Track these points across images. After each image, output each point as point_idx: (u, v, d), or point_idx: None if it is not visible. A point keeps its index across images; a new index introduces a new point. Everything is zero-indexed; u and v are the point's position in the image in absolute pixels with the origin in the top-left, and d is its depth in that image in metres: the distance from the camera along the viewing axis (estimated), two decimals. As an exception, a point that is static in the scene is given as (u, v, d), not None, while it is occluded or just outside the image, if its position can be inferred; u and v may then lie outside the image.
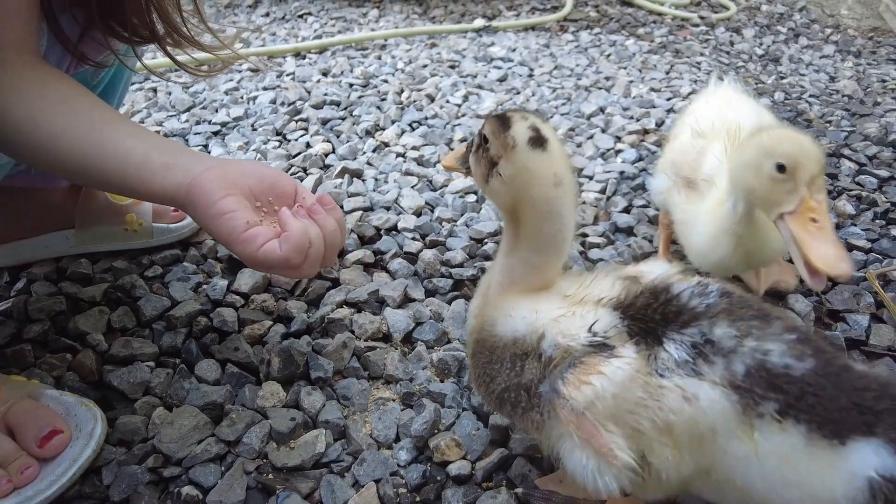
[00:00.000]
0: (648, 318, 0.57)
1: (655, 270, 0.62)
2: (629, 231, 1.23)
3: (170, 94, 1.86)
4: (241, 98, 1.84)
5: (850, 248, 1.23)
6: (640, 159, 1.50)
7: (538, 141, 0.60)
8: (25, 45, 0.74)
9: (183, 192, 0.72)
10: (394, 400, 0.86)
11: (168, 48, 0.88)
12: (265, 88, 1.90)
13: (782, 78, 2.23)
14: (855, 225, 1.31)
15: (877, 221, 1.33)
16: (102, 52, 0.85)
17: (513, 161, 0.60)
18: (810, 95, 2.04)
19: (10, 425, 0.72)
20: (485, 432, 0.80)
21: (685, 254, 1.00)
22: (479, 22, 2.64)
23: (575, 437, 0.55)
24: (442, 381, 0.88)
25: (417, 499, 0.72)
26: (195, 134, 1.62)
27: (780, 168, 0.73)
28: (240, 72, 2.05)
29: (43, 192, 1.08)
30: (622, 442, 0.53)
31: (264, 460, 0.77)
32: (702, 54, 2.41)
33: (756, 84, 2.12)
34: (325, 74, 2.06)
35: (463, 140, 1.59)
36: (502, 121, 0.62)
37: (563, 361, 0.56)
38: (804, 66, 2.37)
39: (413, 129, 1.64)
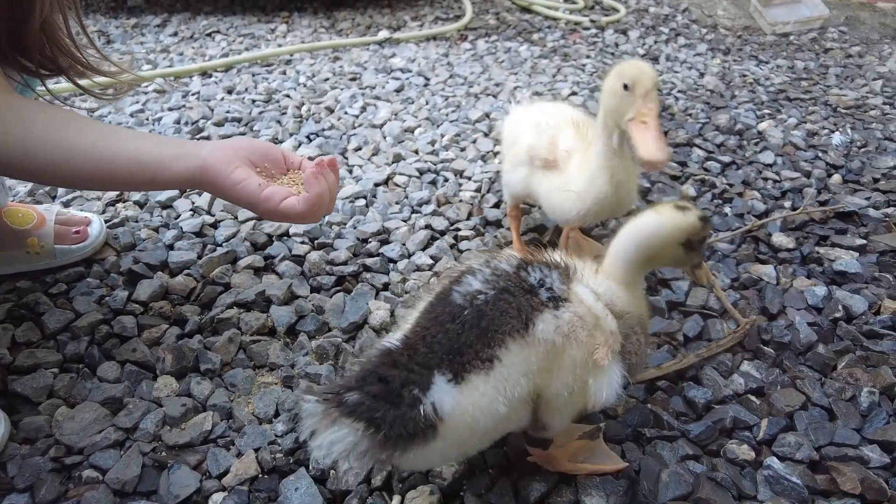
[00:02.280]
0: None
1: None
2: (497, 224, 1.39)
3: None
4: (147, 119, 1.91)
5: (687, 225, 1.43)
6: (515, 158, 1.67)
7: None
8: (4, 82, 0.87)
9: (198, 174, 0.87)
10: (276, 384, 0.98)
11: (73, 77, 0.99)
12: (170, 109, 1.98)
13: (658, 75, 2.46)
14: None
15: (714, 201, 1.54)
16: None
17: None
18: (678, 91, 2.28)
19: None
20: (353, 402, 0.93)
21: (554, 219, 1.20)
22: (383, 34, 2.77)
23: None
24: (320, 364, 1.01)
25: (291, 460, 0.85)
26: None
27: (625, 86, 0.95)
28: (146, 93, 2.11)
29: (-59, 221, 1.14)
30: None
31: (159, 442, 0.88)
32: (588, 56, 2.63)
33: (632, 83, 2.34)
34: (229, 92, 2.15)
35: (357, 149, 1.72)
36: (704, 219, 0.80)
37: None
38: (678, 64, 2.62)
39: (310, 141, 1.76)
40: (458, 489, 0.81)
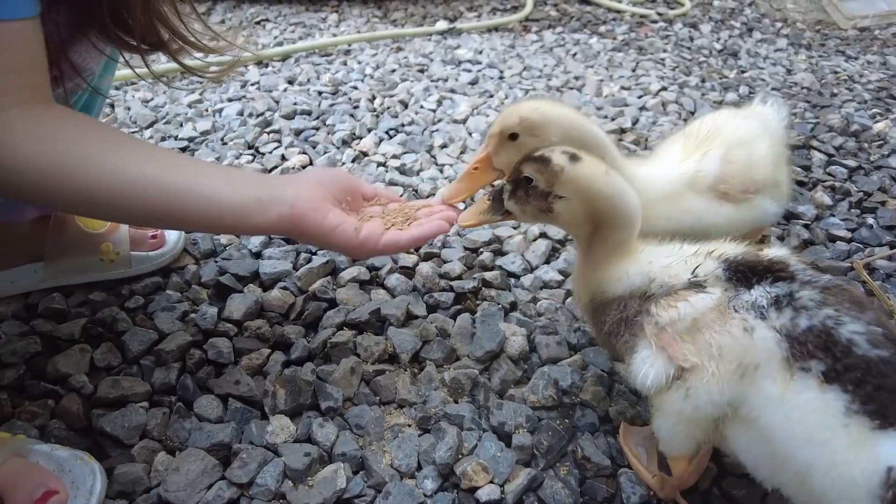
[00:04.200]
0: (749, 270, 0.63)
1: (782, 252, 0.67)
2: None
3: (129, 109, 1.77)
4: (207, 111, 1.76)
5: (833, 238, 1.26)
6: (623, 159, 1.50)
7: (575, 157, 0.69)
8: (47, 91, 0.71)
9: (285, 222, 0.76)
10: (409, 425, 0.83)
11: (175, 53, 0.85)
12: (230, 100, 1.83)
13: (743, 72, 2.28)
14: (833, 216, 1.34)
15: (853, 211, 1.37)
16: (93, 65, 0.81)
17: (569, 181, 0.69)
18: (772, 88, 2.10)
19: (0, 487, 0.65)
20: (509, 453, 0.77)
21: None
22: (442, 24, 2.61)
23: (653, 345, 0.63)
24: (457, 402, 0.85)
25: (449, 530, 0.69)
26: (161, 151, 1.54)
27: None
28: (201, 83, 1.96)
29: (5, 225, 0.99)
30: (692, 349, 0.61)
31: (282, 501, 0.72)
32: (664, 50, 2.45)
33: (720, 79, 2.17)
34: (290, 83, 1.99)
35: (443, 146, 1.56)
36: (539, 159, 0.70)
37: (662, 295, 0.65)
38: (762, 60, 2.44)
39: (391, 137, 1.61)
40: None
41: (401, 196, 1.31)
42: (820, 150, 1.62)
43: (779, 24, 2.97)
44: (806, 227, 1.29)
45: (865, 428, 0.51)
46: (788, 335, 0.57)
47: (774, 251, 0.66)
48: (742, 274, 0.62)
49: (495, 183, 0.88)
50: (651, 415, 0.67)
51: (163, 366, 0.90)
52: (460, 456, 0.77)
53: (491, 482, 0.74)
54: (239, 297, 1.01)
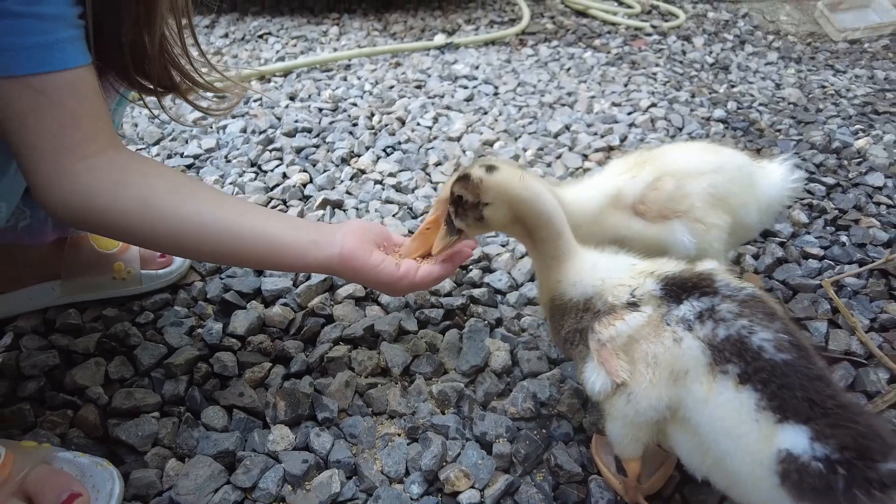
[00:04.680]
0: (680, 287, 0.71)
1: (708, 264, 0.76)
2: (605, 251, 1.29)
3: (136, 125, 1.85)
4: (211, 128, 1.83)
5: (806, 256, 1.33)
6: (609, 177, 1.57)
7: (490, 168, 0.79)
8: (116, 135, 0.81)
9: (335, 261, 0.85)
10: (399, 435, 0.90)
11: (185, 94, 0.94)
12: (234, 116, 1.90)
13: (733, 86, 2.35)
14: (809, 233, 1.41)
15: (827, 229, 1.43)
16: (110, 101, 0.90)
17: (488, 189, 0.78)
18: (760, 104, 2.16)
19: (29, 493, 0.73)
20: (490, 461, 0.84)
21: None
22: (440, 38, 2.68)
23: (595, 359, 0.71)
24: (443, 413, 0.93)
25: (433, 532, 0.76)
26: (169, 168, 1.61)
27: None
28: (206, 99, 2.04)
29: (27, 247, 1.07)
30: (626, 367, 0.69)
31: (282, 503, 0.80)
32: (657, 65, 2.52)
33: (710, 94, 2.23)
34: (292, 99, 2.07)
35: (438, 164, 1.63)
36: (463, 177, 0.80)
37: (605, 313, 0.73)
38: (752, 74, 2.50)
39: (388, 155, 1.68)
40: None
41: (395, 214, 1.39)
42: (800, 168, 1.68)
43: (771, 37, 3.03)
44: (781, 245, 1.35)
45: (771, 422, 0.60)
46: (710, 344, 0.65)
47: (704, 265, 0.74)
48: (674, 291, 0.70)
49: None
50: (604, 420, 0.75)
51: (172, 378, 0.97)
52: (444, 463, 0.84)
53: (472, 487, 0.81)
54: (242, 313, 1.09)
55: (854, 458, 0.57)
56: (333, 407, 0.91)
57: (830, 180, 1.62)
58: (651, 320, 0.69)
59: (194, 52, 0.93)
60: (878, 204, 1.52)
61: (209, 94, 1.00)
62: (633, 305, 0.71)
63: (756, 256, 1.30)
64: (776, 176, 1.08)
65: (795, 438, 0.59)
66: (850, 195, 1.55)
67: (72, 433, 0.89)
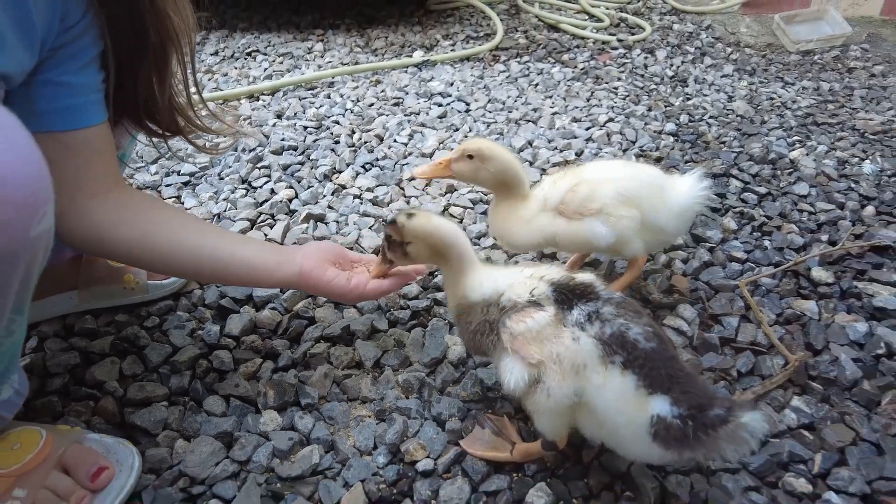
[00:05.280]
0: (570, 293, 0.88)
1: (586, 275, 0.94)
2: (553, 256, 1.48)
3: (136, 144, 2.01)
4: (204, 146, 2.00)
5: (731, 259, 1.52)
6: (563, 190, 1.75)
7: (410, 215, 0.98)
8: (121, 177, 1.01)
9: (296, 278, 1.05)
10: (370, 416, 1.08)
11: (188, 136, 1.14)
12: (226, 136, 2.06)
13: (688, 99, 2.54)
14: (737, 239, 1.60)
15: (754, 234, 1.62)
16: (123, 142, 1.11)
17: (408, 231, 0.98)
18: (710, 117, 2.35)
19: (66, 466, 0.90)
20: (443, 435, 1.02)
21: None
22: (418, 55, 2.86)
23: (510, 350, 0.86)
24: (407, 398, 1.10)
25: (394, 491, 0.94)
26: (166, 186, 1.78)
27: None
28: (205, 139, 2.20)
29: (48, 263, 1.23)
30: (538, 353, 0.84)
31: (271, 473, 0.97)
32: (619, 79, 2.70)
33: (666, 107, 2.42)
34: (279, 117, 2.24)
35: (411, 179, 1.81)
36: (391, 222, 0.99)
37: (512, 309, 0.89)
38: (707, 87, 2.69)
39: (366, 171, 1.85)
40: (548, 520, 0.91)
41: (371, 227, 1.57)
42: (738, 178, 1.88)
43: (730, 49, 3.22)
44: (710, 250, 1.54)
45: (645, 395, 0.79)
46: (600, 339, 0.82)
47: (582, 276, 0.92)
48: (566, 297, 0.87)
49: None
50: (531, 417, 0.92)
51: (177, 373, 1.14)
52: (405, 438, 1.02)
53: (427, 457, 0.99)
54: (237, 316, 1.26)
55: (696, 412, 0.77)
56: (314, 394, 1.09)
57: (763, 189, 1.81)
58: (553, 320, 0.86)
59: (195, 96, 1.10)
60: (801, 211, 1.71)
61: (208, 136, 1.17)
62: (536, 304, 0.88)
63: (685, 261, 1.49)
64: (685, 186, 1.26)
65: (662, 405, 0.79)
66: (777, 203, 1.74)
67: (94, 420, 1.06)
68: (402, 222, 0.97)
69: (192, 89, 1.10)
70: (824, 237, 1.59)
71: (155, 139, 1.10)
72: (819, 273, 1.44)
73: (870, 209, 1.71)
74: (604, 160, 1.37)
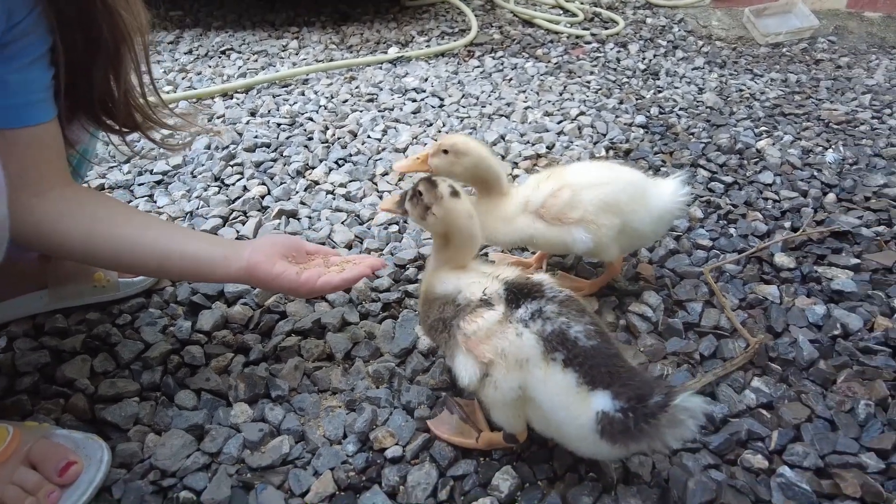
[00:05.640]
0: (519, 292, 0.90)
1: (540, 276, 0.96)
2: (522, 248, 1.50)
3: (107, 144, 2.00)
4: (177, 144, 1.99)
5: (697, 247, 1.55)
6: (534, 182, 1.78)
7: (455, 193, 0.96)
8: (68, 174, 0.99)
9: (244, 272, 1.04)
10: (340, 407, 1.09)
11: (147, 132, 1.14)
12: (198, 134, 2.06)
13: (659, 92, 2.58)
14: (702, 227, 1.63)
15: (720, 222, 1.66)
16: (82, 138, 1.09)
17: (442, 206, 0.96)
18: (680, 108, 2.39)
19: (33, 461, 0.90)
20: (412, 423, 1.04)
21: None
22: (393, 51, 2.87)
23: (463, 349, 0.89)
24: (377, 388, 1.12)
25: (363, 478, 0.96)
26: (139, 185, 1.78)
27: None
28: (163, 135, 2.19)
29: (16, 262, 1.24)
30: (490, 351, 0.86)
31: (242, 464, 0.99)
32: (591, 73, 2.74)
33: (637, 100, 2.46)
34: (253, 114, 2.24)
35: (384, 174, 1.83)
36: (431, 182, 0.97)
37: (465, 308, 0.91)
38: (678, 79, 2.74)
39: (339, 167, 1.87)
40: (513, 500, 0.93)
41: (343, 221, 1.58)
42: (705, 168, 1.92)
43: (701, 42, 3.27)
44: (677, 238, 1.58)
45: (587, 392, 0.81)
46: (542, 336, 0.84)
47: (538, 276, 0.94)
48: (515, 295, 0.90)
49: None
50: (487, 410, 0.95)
51: (149, 369, 1.15)
52: (375, 426, 1.04)
53: (396, 444, 1.01)
54: (208, 312, 1.27)
55: (636, 403, 0.79)
56: (285, 387, 1.10)
57: (729, 179, 1.85)
58: (501, 318, 0.87)
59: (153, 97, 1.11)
60: (766, 199, 1.76)
61: (165, 132, 1.18)
62: (486, 303, 0.90)
63: (651, 249, 1.52)
64: (667, 191, 1.27)
65: (604, 401, 0.81)
66: (743, 192, 1.78)
67: (65, 417, 1.06)
68: (442, 193, 0.95)
69: (149, 85, 1.10)
70: (787, 224, 1.64)
71: (112, 135, 1.10)
72: (781, 259, 1.48)
73: (831, 196, 1.76)
74: (587, 162, 1.37)
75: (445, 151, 1.22)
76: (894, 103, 2.48)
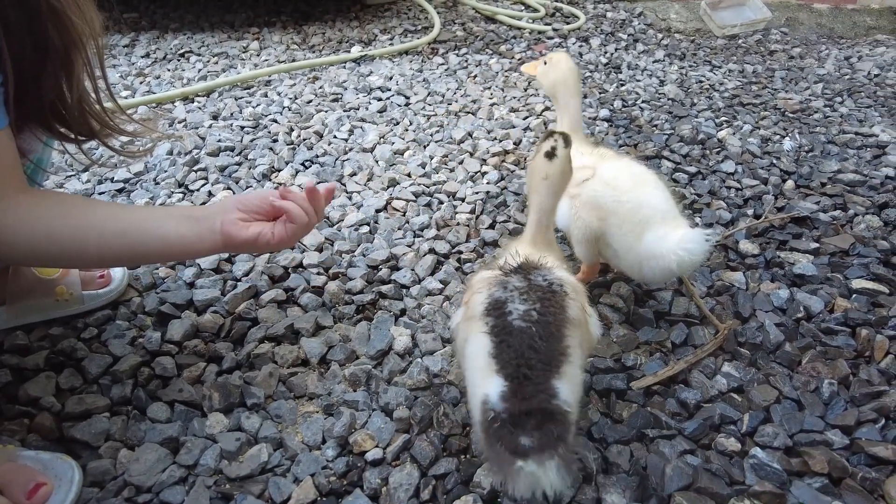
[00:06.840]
0: (529, 266, 0.93)
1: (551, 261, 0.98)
2: (495, 244, 1.51)
3: (64, 153, 1.93)
4: (138, 150, 1.94)
5: (664, 236, 1.58)
6: (502, 179, 1.79)
7: (550, 154, 1.02)
8: (25, 180, 0.95)
9: (220, 245, 1.04)
10: (317, 412, 1.08)
11: (104, 139, 1.09)
12: (159, 140, 2.01)
13: (622, 85, 2.61)
14: (668, 217, 1.66)
15: (685, 212, 1.70)
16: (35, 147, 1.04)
17: (557, 161, 1.01)
18: (642, 101, 2.43)
19: (0, 485, 0.87)
20: (391, 424, 1.04)
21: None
22: (356, 50, 2.84)
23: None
24: (354, 391, 1.11)
25: (345, 482, 0.95)
26: (100, 193, 1.73)
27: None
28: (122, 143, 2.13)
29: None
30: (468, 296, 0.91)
31: (220, 475, 0.97)
32: (555, 68, 2.76)
33: (600, 94, 2.49)
34: (215, 118, 2.19)
35: (352, 175, 1.81)
36: (566, 138, 1.04)
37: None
38: (640, 73, 2.78)
39: (306, 168, 1.84)
40: (496, 496, 0.93)
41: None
42: (669, 160, 1.95)
43: (661, 35, 3.33)
44: (644, 228, 1.60)
45: (493, 370, 0.78)
46: (489, 301, 0.86)
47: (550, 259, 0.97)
48: (523, 268, 0.92)
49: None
50: None
51: (119, 383, 1.12)
52: (354, 430, 1.03)
53: (376, 447, 1.00)
54: (178, 321, 1.24)
55: (510, 418, 0.74)
56: (260, 394, 1.09)
57: (693, 169, 1.89)
58: (494, 279, 0.90)
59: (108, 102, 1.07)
60: (728, 188, 1.80)
61: (124, 139, 1.14)
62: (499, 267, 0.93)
63: (621, 240, 1.54)
64: (672, 237, 1.13)
65: (495, 388, 0.76)
66: (706, 181, 1.83)
67: (30, 438, 1.03)
68: (561, 148, 1.01)
69: (104, 90, 1.06)
70: (750, 211, 1.68)
71: (67, 144, 1.07)
72: (746, 245, 1.52)
73: (790, 183, 1.82)
74: (635, 166, 1.28)
75: (545, 63, 1.46)
76: (844, 91, 2.56)
